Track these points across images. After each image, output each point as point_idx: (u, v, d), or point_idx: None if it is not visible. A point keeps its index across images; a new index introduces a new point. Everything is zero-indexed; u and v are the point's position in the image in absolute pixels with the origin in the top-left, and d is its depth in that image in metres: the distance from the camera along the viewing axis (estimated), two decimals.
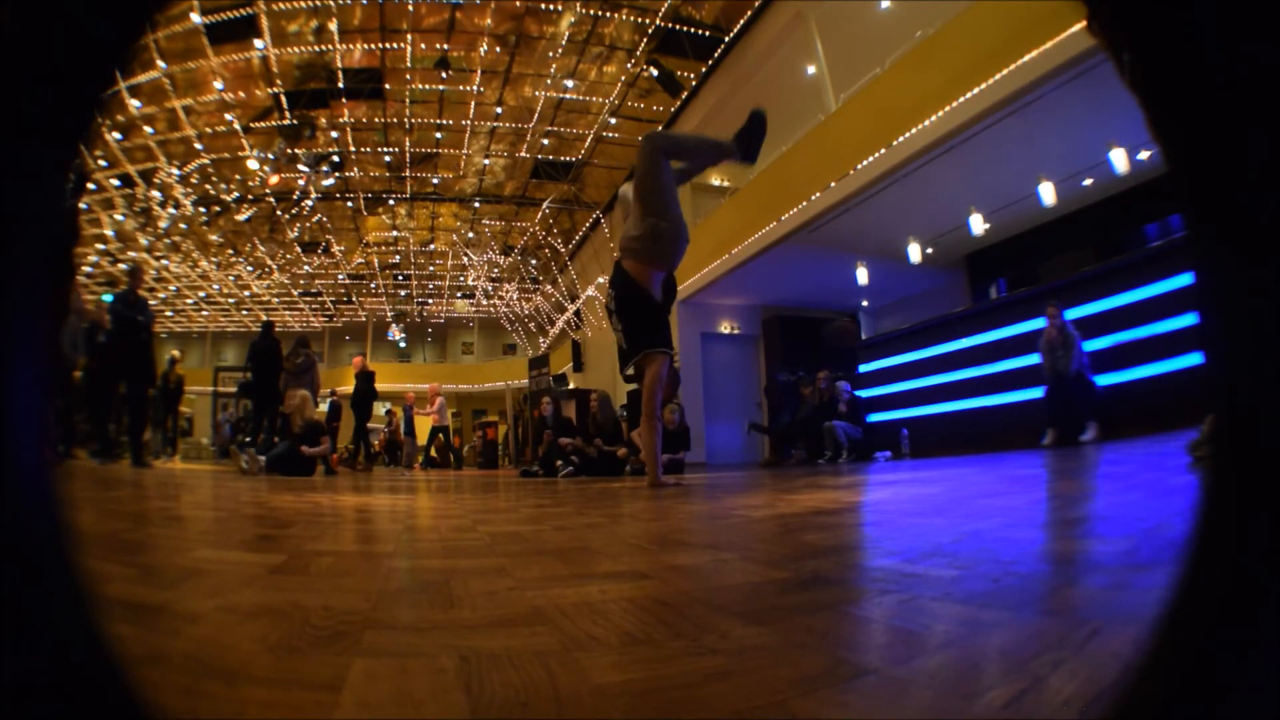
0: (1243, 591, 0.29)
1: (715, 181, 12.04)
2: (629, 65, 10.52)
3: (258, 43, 9.84)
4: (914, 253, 8.94)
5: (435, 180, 14.20)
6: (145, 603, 0.78)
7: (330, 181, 12.88)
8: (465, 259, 16.81)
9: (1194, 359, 4.97)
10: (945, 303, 9.35)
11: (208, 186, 13.23)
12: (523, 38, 10.04)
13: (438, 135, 12.52)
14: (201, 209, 13.84)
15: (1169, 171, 0.33)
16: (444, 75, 10.58)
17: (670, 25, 9.57)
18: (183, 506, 2.42)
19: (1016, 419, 6.47)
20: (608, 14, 9.50)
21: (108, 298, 6.58)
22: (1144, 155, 6.87)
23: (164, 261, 15.99)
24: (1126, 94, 0.33)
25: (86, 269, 16.08)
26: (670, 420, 6.88)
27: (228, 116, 11.45)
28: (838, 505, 2.01)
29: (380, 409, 22.19)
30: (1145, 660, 0.31)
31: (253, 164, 12.14)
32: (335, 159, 12.52)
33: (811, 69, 8.48)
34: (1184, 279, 5.17)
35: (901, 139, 6.52)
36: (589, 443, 7.18)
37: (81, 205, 12.84)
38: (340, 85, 10.90)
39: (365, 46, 10.21)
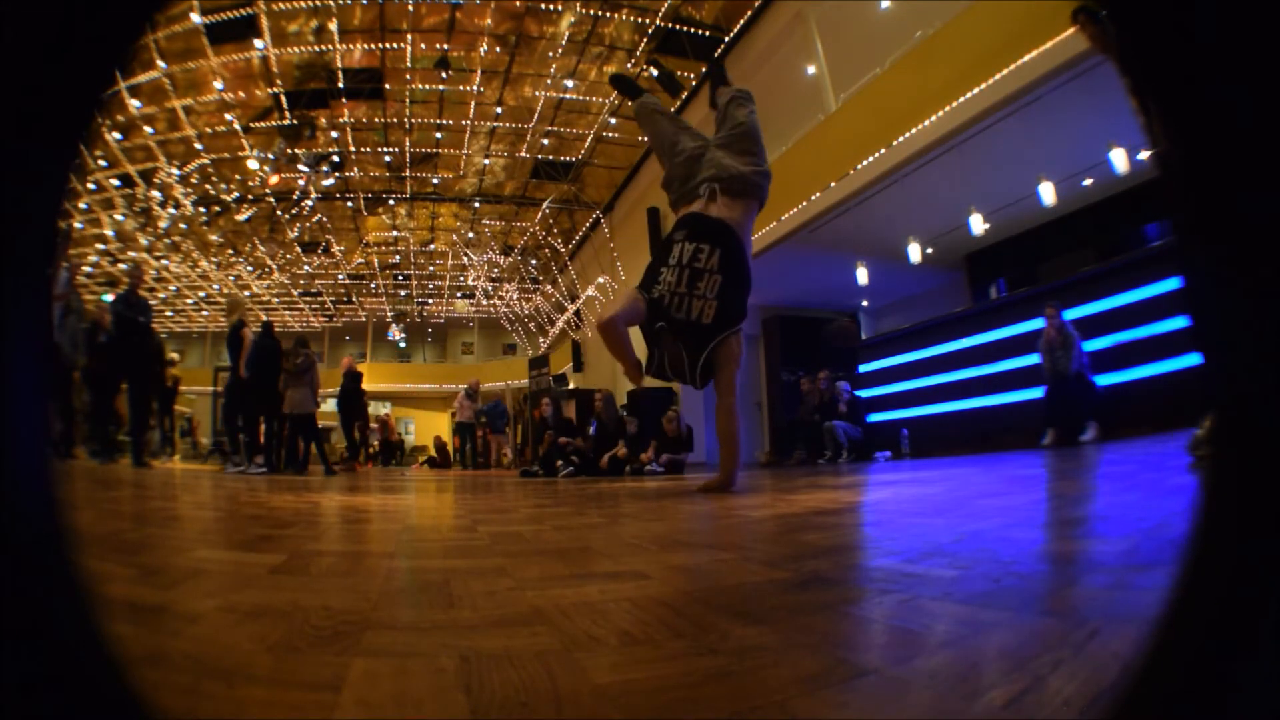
0: (1243, 592, 0.29)
1: None
2: (629, 65, 10.52)
3: (258, 43, 9.84)
4: (914, 253, 8.94)
5: (435, 180, 14.20)
6: (145, 603, 0.78)
7: (330, 181, 12.88)
8: (465, 259, 16.80)
9: (1194, 359, 4.97)
10: (945, 303, 9.34)
11: (208, 186, 13.23)
12: (523, 38, 10.04)
13: (438, 135, 12.53)
14: (201, 209, 13.84)
15: (1166, 172, 0.33)
16: (444, 75, 10.58)
17: (670, 25, 9.57)
18: (182, 506, 2.42)
19: (1016, 419, 6.47)
20: (608, 14, 9.50)
21: (107, 298, 6.59)
22: (1144, 155, 6.86)
23: (164, 261, 15.99)
24: (1126, 94, 0.33)
25: (86, 269, 16.08)
26: (671, 429, 6.90)
27: (228, 116, 11.45)
28: (838, 505, 2.01)
29: (383, 409, 22.21)
30: (1145, 660, 0.31)
31: (253, 164, 12.14)
32: (335, 159, 12.52)
33: (811, 69, 8.48)
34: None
35: (901, 139, 6.52)
36: (618, 441, 7.16)
37: (81, 205, 12.86)
38: (340, 85, 10.90)
39: (365, 46, 10.21)
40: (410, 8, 9.48)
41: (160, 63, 9.85)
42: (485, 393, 22.54)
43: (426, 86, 11.09)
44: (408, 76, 10.87)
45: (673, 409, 7.13)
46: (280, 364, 7.17)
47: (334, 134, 12.27)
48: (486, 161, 13.60)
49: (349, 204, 14.55)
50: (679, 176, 3.10)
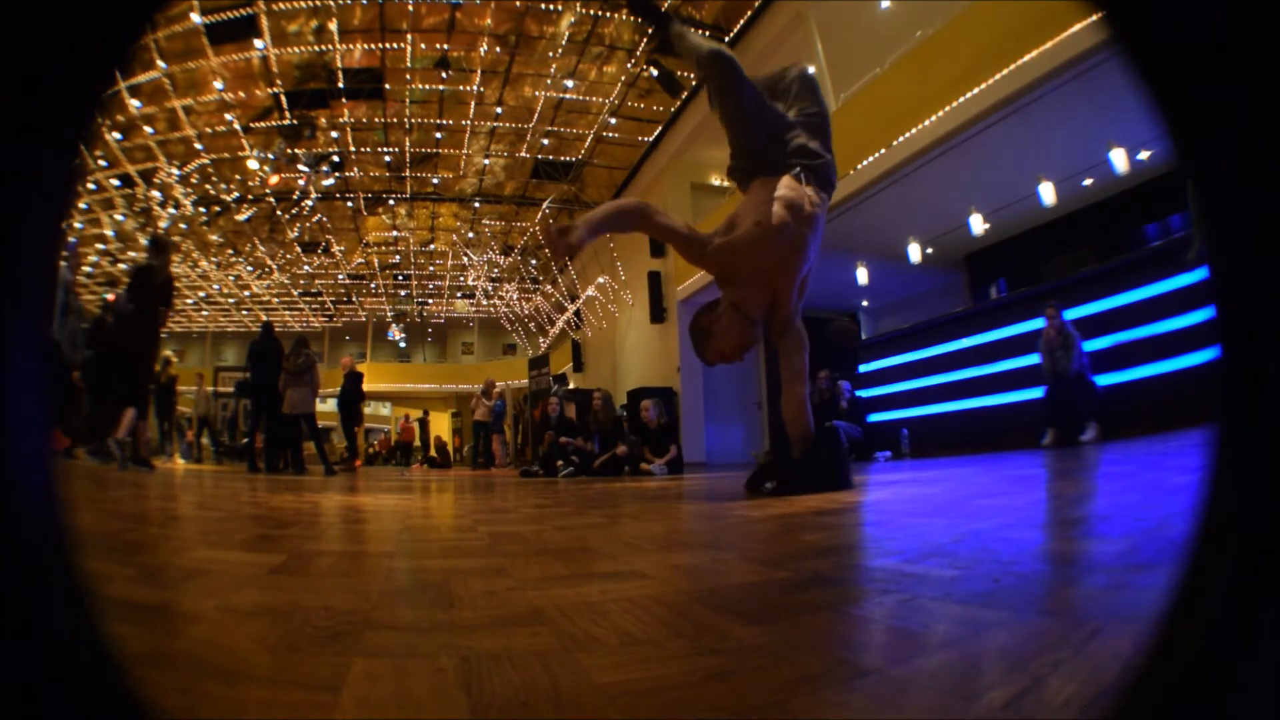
0: (1243, 591, 0.29)
1: (714, 181, 12.05)
2: (629, 65, 10.52)
3: (258, 43, 9.84)
4: (914, 253, 8.94)
5: (435, 180, 14.20)
6: (145, 603, 0.78)
7: (330, 181, 12.88)
8: (465, 259, 16.80)
9: (1194, 359, 4.97)
10: (945, 303, 9.34)
11: (208, 186, 13.23)
12: (523, 38, 10.04)
13: (438, 135, 12.52)
14: (201, 209, 13.84)
15: (1182, 163, 0.32)
16: (444, 75, 10.58)
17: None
18: (182, 506, 2.42)
19: (1016, 419, 6.46)
20: (608, 14, 9.50)
21: (108, 297, 6.59)
22: (1144, 155, 6.87)
23: None
24: (1126, 94, 0.33)
25: (86, 269, 16.08)
26: (648, 418, 6.91)
27: (228, 116, 11.45)
28: (838, 505, 2.01)
29: (383, 409, 22.14)
30: (1145, 660, 0.31)
31: (253, 164, 12.14)
32: (335, 159, 12.52)
33: (811, 69, 8.48)
34: (1184, 279, 5.17)
35: (901, 139, 6.52)
36: (626, 441, 7.17)
37: (82, 205, 12.86)
38: (340, 85, 10.90)
39: (365, 46, 10.21)
40: (410, 8, 9.48)
41: (160, 63, 9.85)
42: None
43: (426, 86, 11.09)
44: (408, 76, 10.86)
45: (644, 400, 7.23)
46: (280, 364, 7.17)
47: (334, 134, 12.26)
48: (486, 161, 13.59)
49: (349, 204, 14.55)
50: (769, 154, 2.83)
